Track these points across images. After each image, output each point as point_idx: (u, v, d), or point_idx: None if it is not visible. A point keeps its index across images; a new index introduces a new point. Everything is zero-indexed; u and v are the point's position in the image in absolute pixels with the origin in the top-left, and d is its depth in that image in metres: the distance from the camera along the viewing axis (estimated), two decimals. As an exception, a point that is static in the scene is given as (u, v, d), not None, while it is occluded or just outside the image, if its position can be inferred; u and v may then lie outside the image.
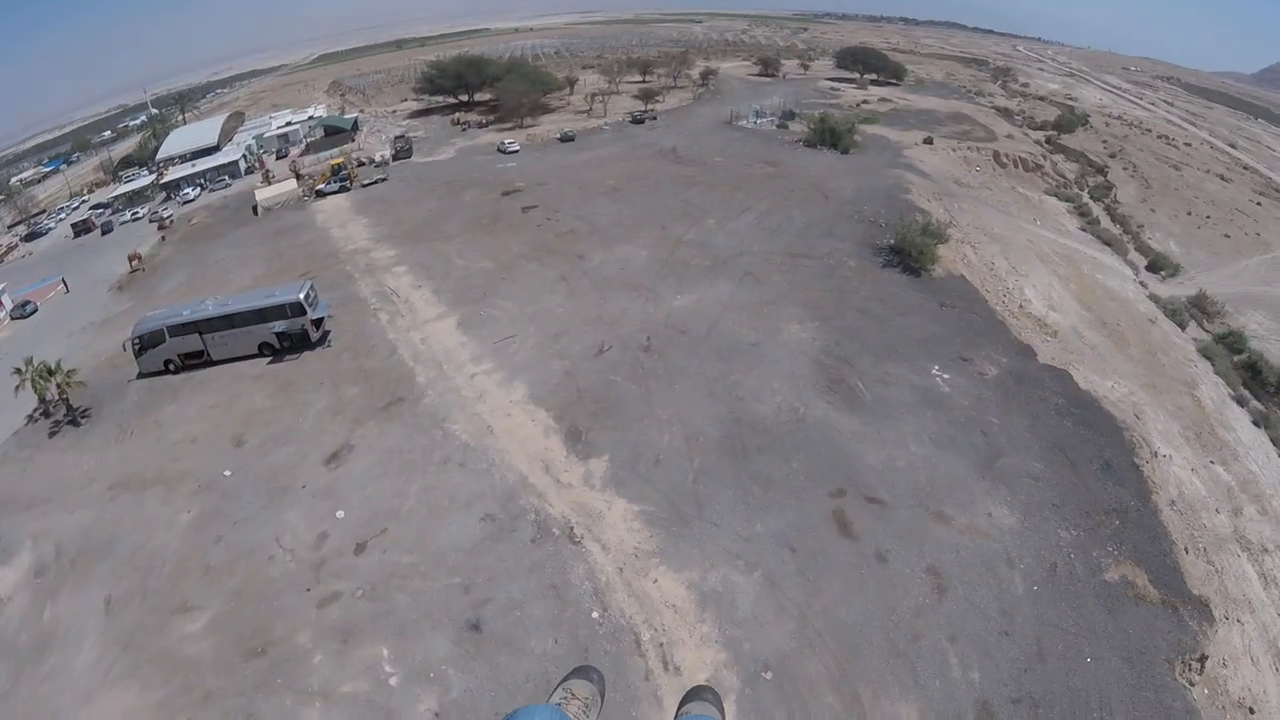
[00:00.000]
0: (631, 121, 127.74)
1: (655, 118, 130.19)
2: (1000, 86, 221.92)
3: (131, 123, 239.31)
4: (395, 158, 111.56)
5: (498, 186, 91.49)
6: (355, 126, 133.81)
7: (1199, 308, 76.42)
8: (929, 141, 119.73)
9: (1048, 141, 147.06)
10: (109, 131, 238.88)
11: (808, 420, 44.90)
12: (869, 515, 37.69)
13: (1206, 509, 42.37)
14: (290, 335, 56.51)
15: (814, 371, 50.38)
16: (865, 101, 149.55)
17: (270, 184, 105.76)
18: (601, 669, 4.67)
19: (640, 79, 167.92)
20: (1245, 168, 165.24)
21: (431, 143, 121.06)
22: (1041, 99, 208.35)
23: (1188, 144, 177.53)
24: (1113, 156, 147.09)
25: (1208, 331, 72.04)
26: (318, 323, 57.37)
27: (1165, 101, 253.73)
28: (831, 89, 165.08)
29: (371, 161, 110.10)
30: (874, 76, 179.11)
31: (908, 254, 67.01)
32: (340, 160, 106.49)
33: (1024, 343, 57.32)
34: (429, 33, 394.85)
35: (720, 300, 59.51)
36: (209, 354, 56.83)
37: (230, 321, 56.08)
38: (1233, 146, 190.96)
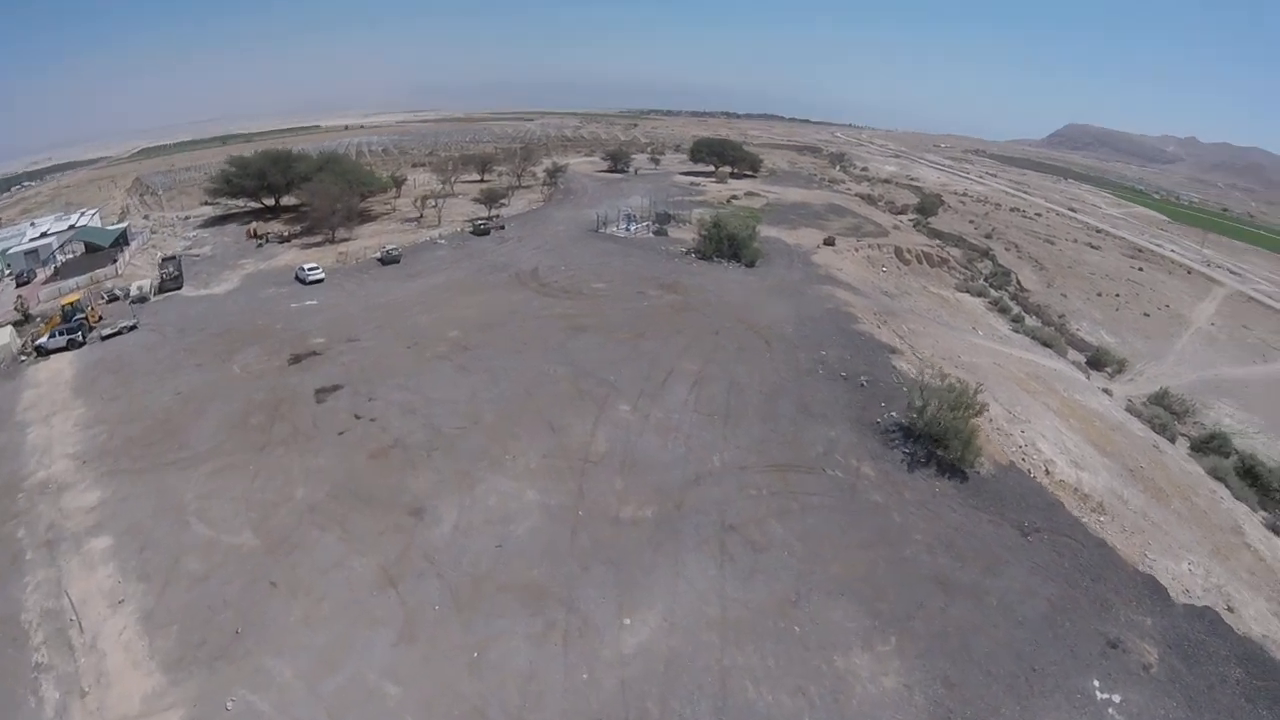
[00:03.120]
0: (474, 232, 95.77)
1: (503, 226, 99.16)
2: (842, 171, 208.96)
3: None
4: (161, 288, 75.30)
5: (287, 343, 57.43)
6: (123, 240, 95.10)
7: (1167, 408, 67.36)
8: (830, 243, 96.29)
9: (915, 226, 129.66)
10: None
11: None
12: None
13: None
14: None
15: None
16: (734, 196, 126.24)
17: None
18: None
19: (479, 178, 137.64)
20: (1098, 231, 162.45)
21: (215, 265, 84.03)
22: (886, 181, 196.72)
23: (1038, 214, 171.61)
24: (988, 237, 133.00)
25: (1184, 435, 64.47)
26: None
27: (990, 174, 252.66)
28: (692, 184, 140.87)
29: (126, 295, 73.40)
30: (730, 169, 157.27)
31: (936, 441, 41.91)
32: (76, 297, 69.04)
33: (1127, 562, 37.36)
34: (257, 129, 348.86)
35: (706, 618, 29.85)
36: None
37: None
38: (1072, 210, 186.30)
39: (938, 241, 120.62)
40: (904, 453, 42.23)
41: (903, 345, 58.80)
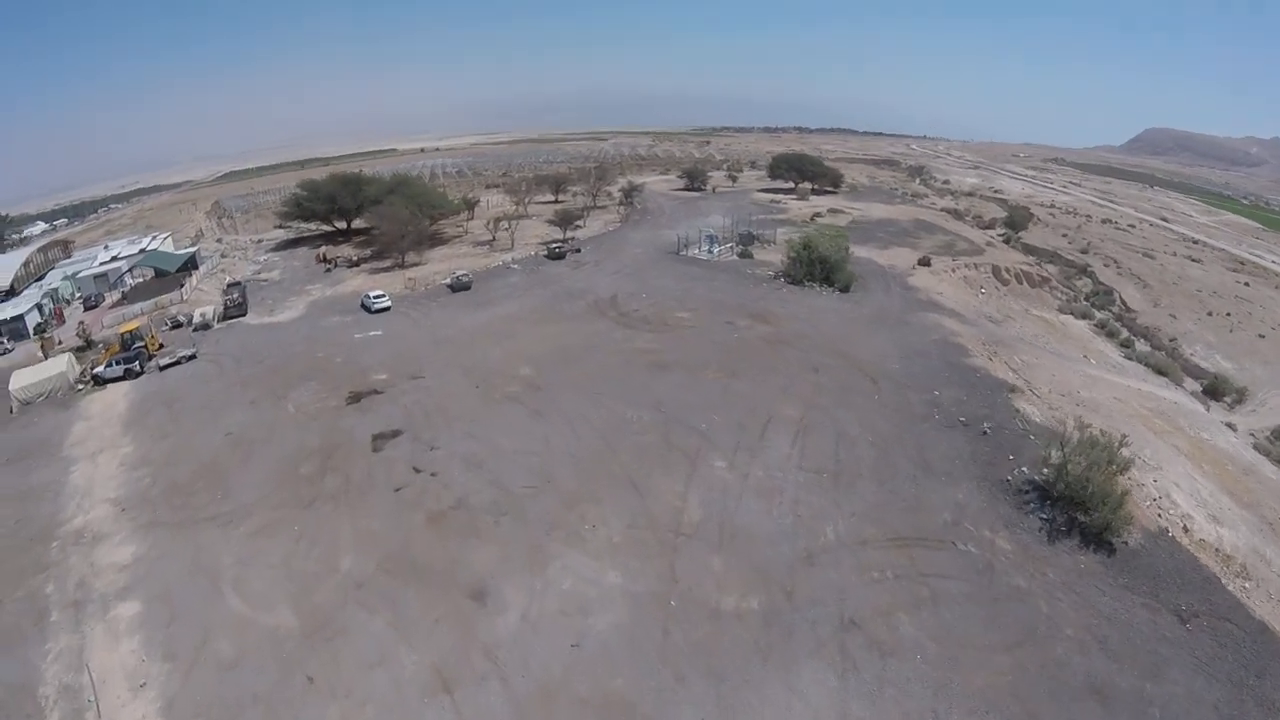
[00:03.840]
0: (548, 256, 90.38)
1: (579, 249, 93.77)
2: (923, 184, 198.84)
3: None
4: (225, 315, 72.09)
5: (346, 379, 52.86)
6: (192, 264, 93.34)
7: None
8: (926, 264, 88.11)
9: (1006, 242, 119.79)
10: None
11: None
12: None
13: None
14: None
15: None
16: (817, 214, 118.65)
17: (47, 354, 64.91)
18: None
19: (553, 198, 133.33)
20: (1194, 242, 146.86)
21: (282, 291, 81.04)
22: (970, 194, 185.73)
23: (1131, 225, 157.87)
24: (1084, 252, 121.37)
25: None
26: None
27: (1073, 183, 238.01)
28: (772, 201, 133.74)
29: (189, 322, 70.55)
30: (811, 185, 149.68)
31: (1075, 504, 34.64)
32: (135, 325, 66.01)
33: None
34: (335, 152, 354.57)
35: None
36: None
37: None
38: (1165, 220, 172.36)
39: (1033, 258, 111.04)
40: (1041, 519, 34.73)
41: (1019, 381, 50.91)
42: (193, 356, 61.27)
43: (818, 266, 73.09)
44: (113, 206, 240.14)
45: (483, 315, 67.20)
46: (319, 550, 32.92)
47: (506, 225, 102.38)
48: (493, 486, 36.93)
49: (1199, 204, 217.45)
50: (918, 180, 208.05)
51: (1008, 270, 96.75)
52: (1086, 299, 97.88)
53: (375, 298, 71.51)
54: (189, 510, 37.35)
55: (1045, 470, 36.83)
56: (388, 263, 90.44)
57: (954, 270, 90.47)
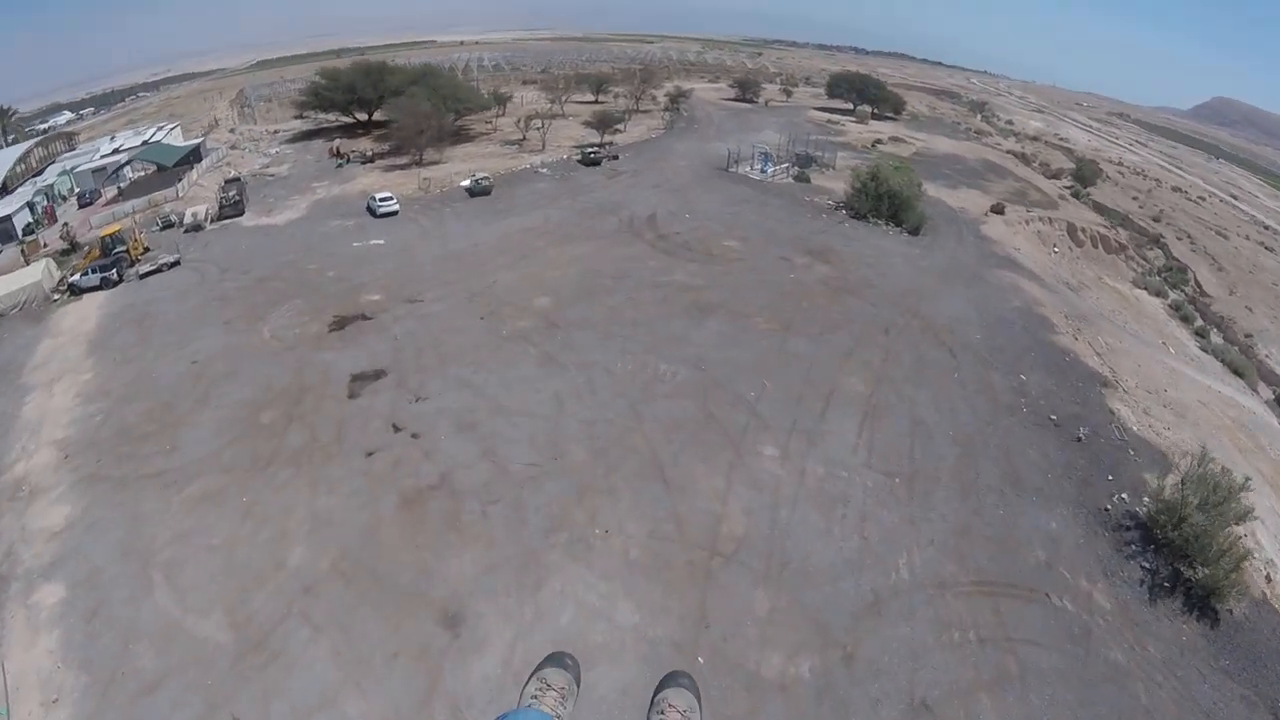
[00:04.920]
0: (582, 161, 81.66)
1: (616, 156, 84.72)
2: (984, 122, 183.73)
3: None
4: (220, 215, 64.61)
5: (335, 299, 45.68)
6: (196, 156, 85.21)
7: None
8: (999, 212, 78.23)
9: (1075, 196, 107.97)
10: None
11: None
12: None
13: None
14: None
15: None
16: (878, 141, 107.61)
17: (28, 260, 58.15)
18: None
19: (593, 99, 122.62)
20: (1267, 228, 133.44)
21: (287, 188, 73.20)
22: (1035, 139, 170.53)
23: (1201, 198, 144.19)
24: (1156, 220, 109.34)
25: None
26: None
27: (1139, 142, 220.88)
28: (829, 122, 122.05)
29: (180, 222, 63.33)
30: (871, 109, 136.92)
31: (1180, 554, 27.38)
32: (118, 228, 58.59)
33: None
34: (372, 41, 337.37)
35: None
36: None
37: None
38: (1235, 199, 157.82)
39: (1105, 220, 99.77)
40: (1143, 568, 27.21)
41: (1108, 371, 42.52)
42: (176, 263, 54.35)
43: (885, 201, 63.85)
44: (141, 95, 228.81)
45: (501, 227, 59.25)
46: (266, 533, 26.25)
47: (539, 125, 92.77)
48: (485, 460, 29.77)
49: (1265, 185, 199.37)
50: (979, 116, 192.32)
51: (1083, 230, 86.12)
52: (1159, 274, 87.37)
53: (381, 200, 63.45)
54: (134, 462, 30.80)
55: (1147, 502, 29.34)
56: (405, 160, 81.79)
57: (1027, 223, 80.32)
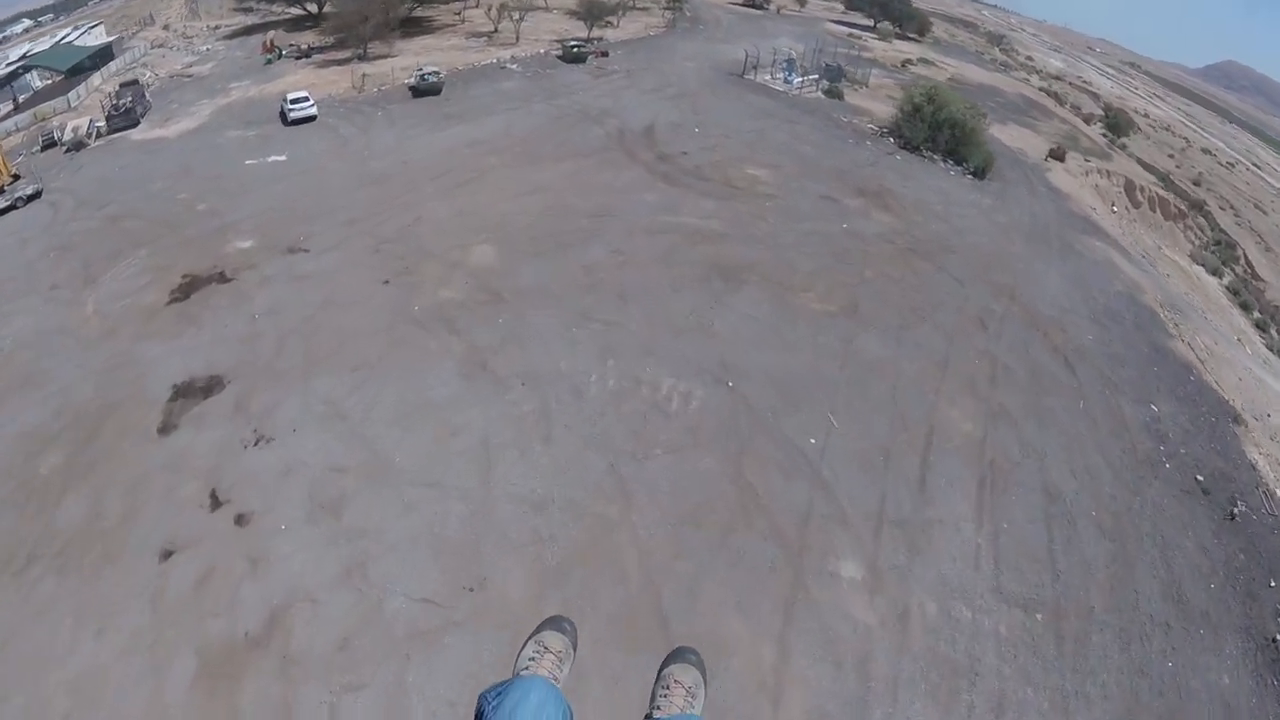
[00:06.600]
0: (562, 56, 64.62)
1: (606, 53, 67.60)
2: (1004, 54, 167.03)
3: None
4: (109, 128, 49.83)
5: (193, 246, 30.66)
6: (105, 58, 66.97)
7: None
8: (1059, 158, 63.90)
9: (1110, 145, 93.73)
10: None
11: None
12: None
13: None
14: None
15: None
16: (908, 61, 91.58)
17: None
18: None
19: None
20: None
21: (200, 90, 56.60)
22: (1058, 79, 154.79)
23: (1230, 163, 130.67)
24: (1196, 184, 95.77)
25: None
26: None
27: (1157, 96, 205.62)
28: (850, 35, 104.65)
29: (60, 139, 48.19)
30: (895, 27, 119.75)
31: None
32: (-20, 151, 43.46)
33: None
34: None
35: None
36: None
37: None
38: (1257, 167, 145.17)
39: (1155, 179, 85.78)
40: None
41: (1231, 396, 29.16)
42: (36, 195, 39.81)
43: (945, 131, 49.03)
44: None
45: (444, 138, 43.46)
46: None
47: (515, 16, 74.75)
48: (348, 586, 15.54)
49: (1276, 155, 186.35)
50: (998, 49, 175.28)
51: (1141, 190, 72.15)
52: (1209, 249, 74.30)
53: (293, 103, 48.48)
54: None
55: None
56: (347, 53, 64.89)
57: (1085, 174, 66.16)
